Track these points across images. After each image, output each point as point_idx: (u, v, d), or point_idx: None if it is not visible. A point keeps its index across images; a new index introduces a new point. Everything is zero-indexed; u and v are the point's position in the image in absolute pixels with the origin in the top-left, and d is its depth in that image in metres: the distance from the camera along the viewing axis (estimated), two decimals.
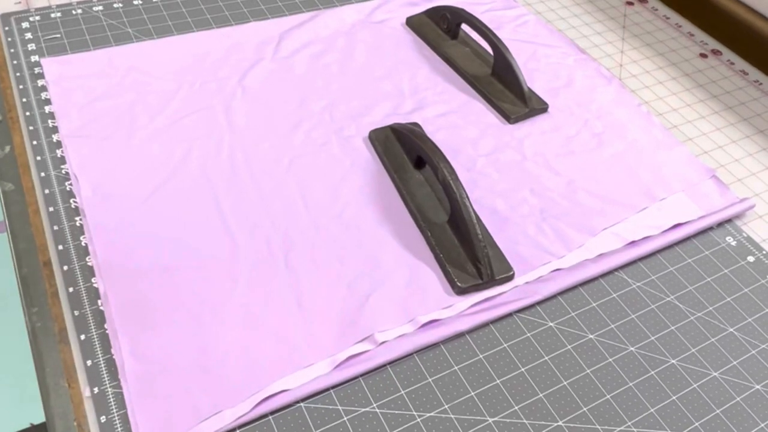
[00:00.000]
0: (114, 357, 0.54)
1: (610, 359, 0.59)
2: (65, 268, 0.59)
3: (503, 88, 0.82)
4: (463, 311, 0.60)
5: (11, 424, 1.27)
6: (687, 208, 0.71)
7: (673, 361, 0.59)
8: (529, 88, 0.81)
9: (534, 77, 0.86)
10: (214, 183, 0.68)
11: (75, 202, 0.64)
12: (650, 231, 0.68)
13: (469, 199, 0.63)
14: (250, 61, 0.83)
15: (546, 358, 0.58)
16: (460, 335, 0.59)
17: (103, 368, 0.53)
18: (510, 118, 0.79)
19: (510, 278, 0.62)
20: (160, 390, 0.52)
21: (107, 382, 0.52)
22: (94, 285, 0.58)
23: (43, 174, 0.67)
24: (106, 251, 0.61)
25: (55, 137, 0.70)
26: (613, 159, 0.76)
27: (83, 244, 0.61)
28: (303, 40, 0.87)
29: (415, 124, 0.76)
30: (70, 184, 0.66)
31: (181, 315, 0.57)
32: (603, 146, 0.78)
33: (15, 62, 0.78)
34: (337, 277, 0.61)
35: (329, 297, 0.59)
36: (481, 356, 0.58)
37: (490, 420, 0.54)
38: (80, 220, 0.63)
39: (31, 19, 0.85)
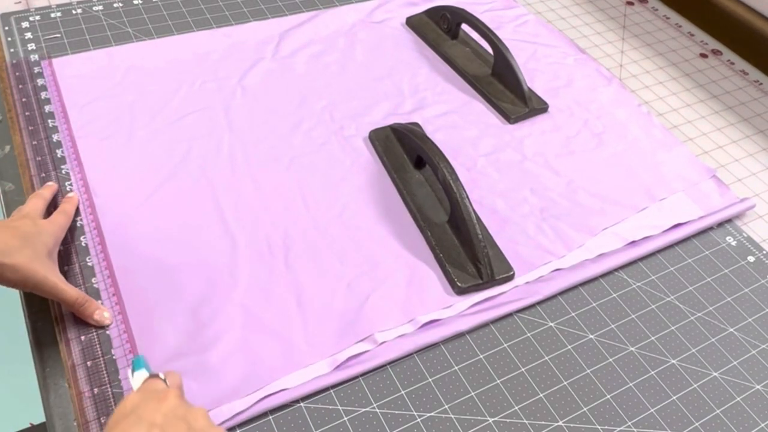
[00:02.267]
0: (115, 357, 0.54)
1: (610, 359, 0.59)
2: (65, 268, 0.59)
3: (503, 88, 0.82)
4: (463, 311, 0.60)
5: (11, 424, 1.27)
6: (687, 208, 0.71)
7: (673, 361, 0.59)
8: (529, 88, 0.81)
9: (534, 77, 0.86)
10: (214, 183, 0.68)
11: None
12: (650, 231, 0.68)
13: (469, 199, 0.63)
14: (250, 61, 0.83)
15: (546, 358, 0.58)
16: (460, 335, 0.59)
17: (103, 368, 0.53)
18: (510, 118, 0.79)
19: (510, 278, 0.62)
20: None
21: (107, 382, 0.52)
22: (95, 285, 0.58)
23: (43, 174, 0.67)
24: (105, 252, 0.61)
25: (55, 137, 0.70)
26: (613, 159, 0.76)
27: (83, 244, 0.61)
28: (303, 40, 0.87)
29: (415, 124, 0.76)
30: (70, 185, 0.66)
31: (181, 314, 0.57)
32: (603, 146, 0.77)
33: (15, 62, 0.78)
34: (337, 276, 0.61)
35: (329, 297, 0.59)
36: (481, 356, 0.58)
37: (490, 420, 0.54)
38: (80, 220, 0.63)
39: (31, 18, 0.85)
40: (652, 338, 0.61)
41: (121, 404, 0.41)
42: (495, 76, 0.84)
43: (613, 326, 0.61)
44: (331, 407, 0.53)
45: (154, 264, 0.60)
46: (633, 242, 0.67)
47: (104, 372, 0.53)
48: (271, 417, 0.52)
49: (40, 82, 0.76)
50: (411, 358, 0.57)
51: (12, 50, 0.80)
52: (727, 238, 0.70)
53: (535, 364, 0.57)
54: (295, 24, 0.89)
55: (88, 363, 0.53)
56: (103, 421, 0.50)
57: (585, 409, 0.55)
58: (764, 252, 0.69)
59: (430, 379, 0.56)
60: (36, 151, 0.69)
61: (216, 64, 0.82)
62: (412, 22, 0.92)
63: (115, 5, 0.89)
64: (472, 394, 0.55)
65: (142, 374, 0.44)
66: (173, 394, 0.42)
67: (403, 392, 0.54)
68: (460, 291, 0.61)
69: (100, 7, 0.88)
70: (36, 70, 0.78)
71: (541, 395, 0.55)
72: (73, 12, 0.87)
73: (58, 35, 0.83)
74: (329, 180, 0.70)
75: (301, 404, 0.53)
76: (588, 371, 0.58)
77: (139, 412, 0.40)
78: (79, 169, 0.67)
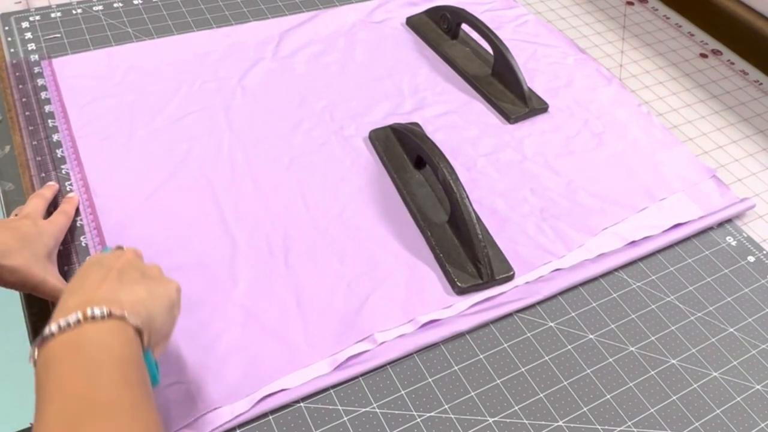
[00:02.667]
0: None
1: (610, 359, 0.59)
2: (65, 268, 0.59)
3: (503, 88, 0.82)
4: (463, 311, 0.60)
5: (11, 424, 1.27)
6: (687, 208, 0.71)
7: (673, 361, 0.59)
8: (529, 88, 0.81)
9: (534, 77, 0.86)
10: (214, 182, 0.68)
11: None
12: (650, 231, 0.68)
13: (469, 199, 0.63)
14: (250, 61, 0.83)
15: (546, 358, 0.58)
16: (460, 335, 0.59)
17: None
18: (510, 118, 0.79)
19: (510, 278, 0.62)
20: (159, 387, 0.52)
21: None
22: None
23: (43, 174, 0.67)
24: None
25: (55, 137, 0.70)
26: (613, 159, 0.76)
27: (83, 244, 0.61)
28: (303, 40, 0.87)
29: (415, 124, 0.76)
30: (70, 185, 0.66)
31: (181, 314, 0.57)
32: (603, 146, 0.77)
33: (15, 62, 0.78)
34: (337, 277, 0.61)
35: (329, 297, 0.59)
36: (481, 356, 0.58)
37: (490, 420, 0.54)
38: (80, 220, 0.63)
39: (31, 19, 0.85)
40: (652, 338, 0.61)
41: (87, 259, 0.49)
42: (495, 76, 0.84)
43: (613, 326, 0.61)
44: (331, 407, 0.53)
45: (153, 263, 0.60)
46: (633, 242, 0.67)
47: None
48: (271, 417, 0.52)
49: (40, 82, 0.76)
50: (411, 358, 0.57)
51: (12, 50, 0.80)
52: (727, 238, 0.70)
53: (535, 364, 0.57)
54: (295, 24, 0.89)
55: None
56: None
57: (585, 409, 0.55)
58: (764, 252, 0.69)
59: (430, 379, 0.56)
60: (36, 151, 0.69)
61: (216, 64, 0.82)
62: (412, 22, 0.92)
63: (115, 5, 0.89)
64: (472, 394, 0.55)
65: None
66: (131, 252, 0.49)
67: (403, 392, 0.54)
68: (460, 291, 0.61)
69: (100, 7, 0.88)
70: (36, 70, 0.78)
71: (541, 395, 0.55)
72: (73, 12, 0.87)
73: (58, 35, 0.83)
74: (329, 180, 0.70)
75: (301, 404, 0.53)
76: (588, 371, 0.58)
77: (101, 261, 0.47)
78: (79, 169, 0.67)
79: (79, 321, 0.39)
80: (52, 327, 0.39)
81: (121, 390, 0.38)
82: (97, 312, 0.40)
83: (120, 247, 0.50)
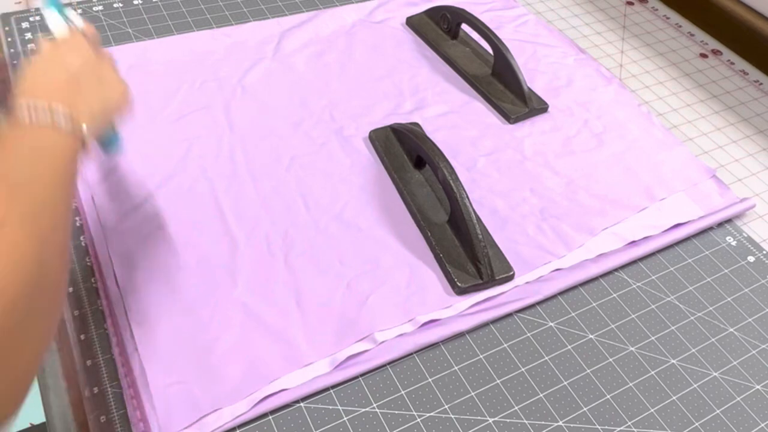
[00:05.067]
0: (114, 357, 0.54)
1: (610, 359, 0.59)
2: None
3: (503, 88, 0.82)
4: (463, 311, 0.60)
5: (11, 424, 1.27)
6: (687, 208, 0.71)
7: (673, 361, 0.59)
8: (529, 88, 0.81)
9: (534, 77, 0.86)
10: (214, 182, 0.68)
11: (74, 202, 0.64)
12: (650, 231, 0.68)
13: (469, 199, 0.63)
14: (250, 61, 0.83)
15: (546, 358, 0.58)
16: (460, 335, 0.59)
17: (103, 368, 0.53)
18: (510, 118, 0.79)
19: (510, 278, 0.62)
20: (160, 387, 0.52)
21: (107, 382, 0.52)
22: (94, 285, 0.58)
23: None
24: (105, 252, 0.61)
25: None
26: (613, 159, 0.76)
27: (83, 244, 0.61)
28: (303, 40, 0.87)
29: (415, 124, 0.76)
30: None
31: (181, 314, 0.57)
32: (603, 146, 0.77)
33: (15, 62, 0.78)
34: (337, 276, 0.61)
35: (329, 297, 0.59)
36: (481, 356, 0.58)
37: (490, 420, 0.54)
38: (80, 220, 0.63)
39: (31, 19, 0.85)
40: (652, 338, 0.60)
41: (44, 48, 0.49)
42: (495, 76, 0.84)
43: (613, 326, 0.61)
44: (331, 407, 0.53)
45: (154, 263, 0.60)
46: (633, 242, 0.67)
47: (103, 372, 0.53)
48: (271, 417, 0.52)
49: None
50: (411, 358, 0.57)
51: (12, 50, 0.80)
52: (727, 238, 0.70)
53: (535, 364, 0.57)
54: (295, 24, 0.89)
55: (87, 363, 0.53)
56: (102, 420, 0.50)
57: (585, 409, 0.55)
58: (764, 252, 0.69)
59: (430, 379, 0.56)
60: None
61: (216, 63, 0.82)
62: (412, 22, 0.92)
63: (115, 5, 0.89)
64: (472, 394, 0.55)
65: (54, 16, 0.51)
66: (90, 48, 0.51)
67: (403, 392, 0.54)
68: (460, 291, 0.61)
69: (100, 8, 0.88)
70: None
71: (541, 395, 0.55)
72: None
73: None
74: (329, 180, 0.70)
75: (301, 404, 0.53)
76: (588, 371, 0.58)
77: (61, 58, 0.48)
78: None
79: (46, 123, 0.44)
80: (23, 114, 0.43)
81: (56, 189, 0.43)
82: (63, 123, 0.44)
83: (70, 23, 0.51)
